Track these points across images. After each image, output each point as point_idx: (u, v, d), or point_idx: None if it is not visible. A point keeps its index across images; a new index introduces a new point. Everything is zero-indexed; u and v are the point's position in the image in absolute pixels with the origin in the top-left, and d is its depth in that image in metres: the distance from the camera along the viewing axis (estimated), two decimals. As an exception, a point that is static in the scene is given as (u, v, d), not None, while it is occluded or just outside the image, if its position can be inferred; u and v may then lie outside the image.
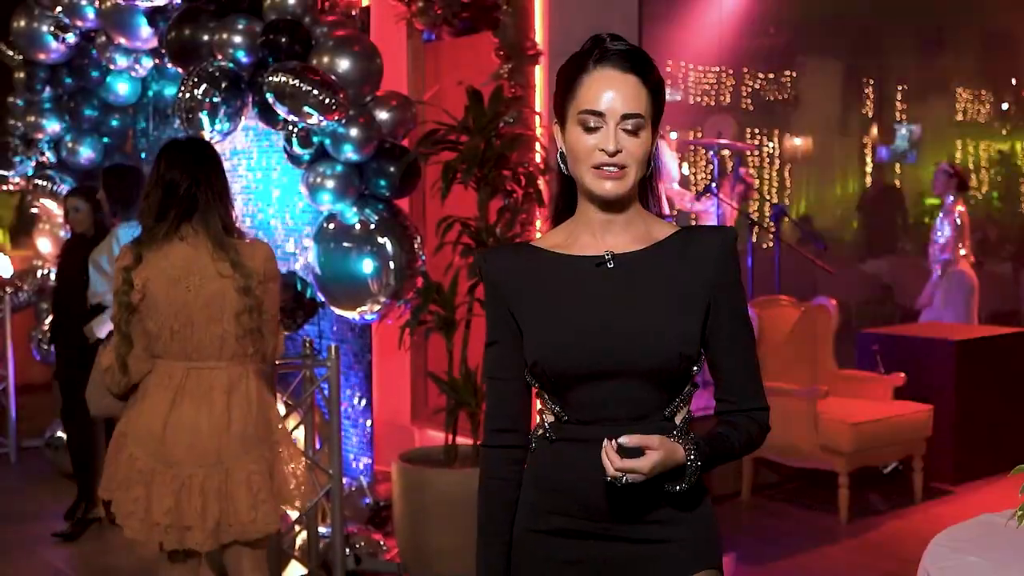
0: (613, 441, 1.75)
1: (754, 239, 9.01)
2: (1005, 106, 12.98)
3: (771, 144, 16.66)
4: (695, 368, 1.91)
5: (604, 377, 1.85)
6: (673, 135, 14.11)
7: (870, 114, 16.12)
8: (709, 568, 1.93)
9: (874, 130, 16.66)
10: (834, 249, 14.45)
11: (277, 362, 3.62)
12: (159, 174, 3.24)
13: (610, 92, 1.83)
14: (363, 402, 5.24)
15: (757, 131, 16.13)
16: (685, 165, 14.91)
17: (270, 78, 4.49)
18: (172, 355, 3.21)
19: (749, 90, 14.93)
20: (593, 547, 1.91)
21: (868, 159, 17.33)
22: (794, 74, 14.84)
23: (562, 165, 1.93)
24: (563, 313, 1.89)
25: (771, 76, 13.99)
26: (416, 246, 4.85)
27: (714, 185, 7.14)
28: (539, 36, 5.02)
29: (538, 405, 1.99)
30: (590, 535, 1.90)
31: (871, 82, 14.74)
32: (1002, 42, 13.09)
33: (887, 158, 16.21)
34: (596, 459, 1.79)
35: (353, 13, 5.20)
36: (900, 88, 15.69)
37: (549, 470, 1.93)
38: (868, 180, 16.26)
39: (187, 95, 4.77)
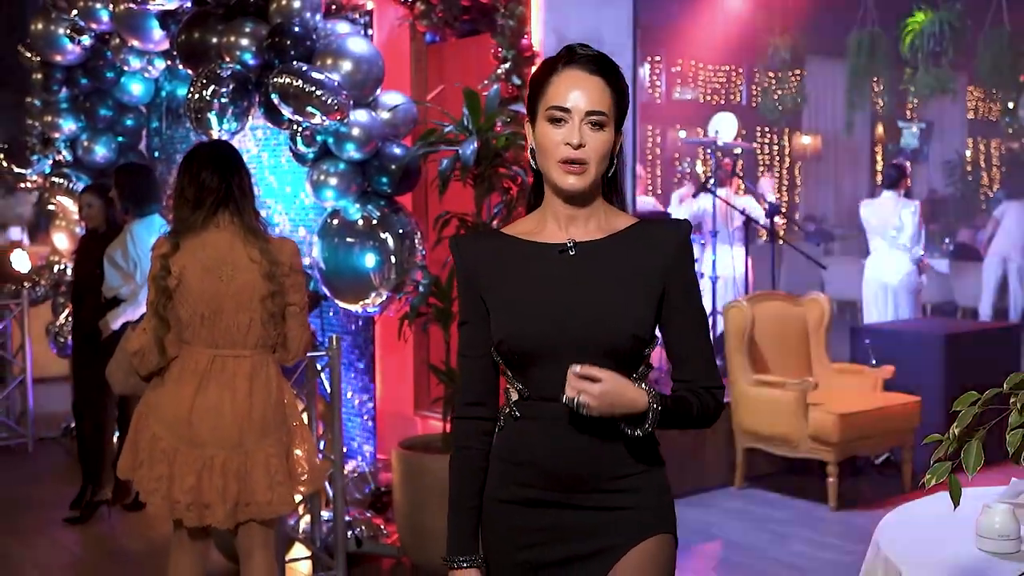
0: (577, 367, 1.91)
1: (762, 238, 9.10)
2: (1011, 104, 13.03)
3: (781, 143, 16.75)
4: (648, 349, 2.07)
5: (563, 356, 2.00)
6: (682, 133, 14.26)
7: (880, 112, 16.19)
8: (663, 533, 2.08)
9: (884, 128, 16.74)
10: (843, 246, 14.56)
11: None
12: (192, 174, 3.43)
13: (577, 91, 2.01)
14: (366, 392, 5.42)
15: (767, 129, 16.24)
16: (698, 163, 15.06)
17: (275, 79, 4.67)
18: (200, 341, 3.38)
19: (758, 89, 15.03)
20: (554, 515, 2.06)
21: (879, 157, 17.41)
22: (804, 73, 14.93)
23: (532, 161, 2.11)
24: (527, 296, 2.05)
25: (780, 75, 14.09)
26: (416, 241, 5.03)
27: (712, 182, 7.27)
28: (536, 38, 5.19)
29: (505, 384, 2.16)
30: (552, 504, 2.06)
31: (880, 80, 14.82)
32: (1012, 40, 13.13)
33: (897, 156, 16.29)
34: (557, 433, 1.98)
35: (357, 16, 5.37)
36: (910, 87, 15.75)
37: (514, 444, 2.09)
38: (879, 178, 16.35)
39: (196, 96, 4.96)
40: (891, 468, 6.16)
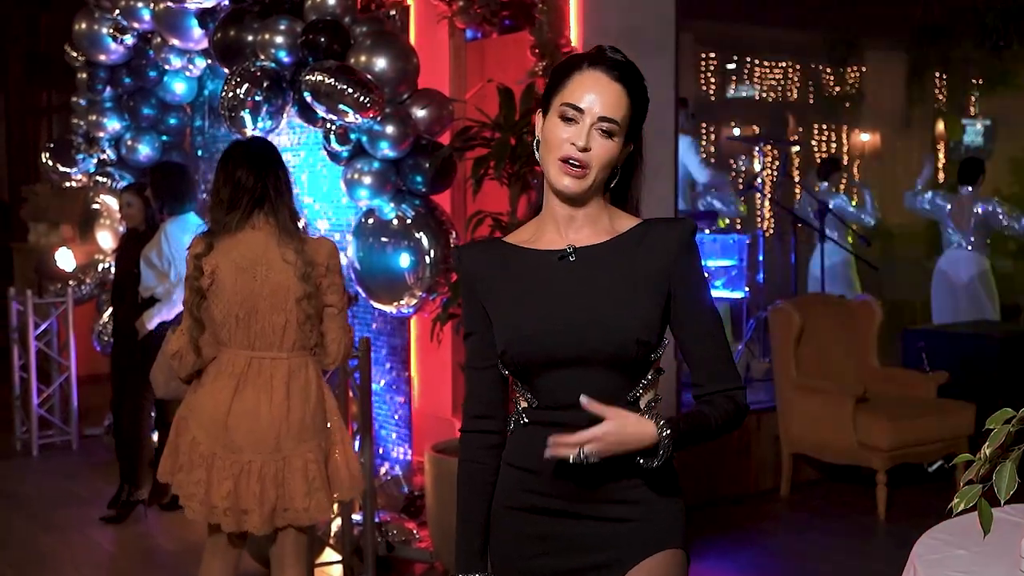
0: (551, 438, 1.86)
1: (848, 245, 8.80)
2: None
3: (839, 140, 16.43)
4: (655, 355, 1.98)
5: (567, 364, 1.94)
6: (736, 131, 14.04)
7: (943, 108, 15.81)
8: (673, 548, 2.00)
9: (945, 125, 16.33)
10: (902, 246, 14.23)
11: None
12: (227, 173, 3.36)
13: (594, 93, 1.94)
14: (401, 394, 5.35)
15: (823, 127, 15.93)
16: (756, 162, 14.81)
17: (307, 77, 4.61)
18: (236, 343, 3.31)
19: (814, 85, 14.75)
20: (561, 524, 1.99)
21: (940, 155, 17.01)
22: (863, 68, 14.62)
23: (536, 152, 2.03)
24: (528, 305, 1.99)
25: (838, 71, 13.80)
26: (451, 241, 4.94)
27: (759, 181, 7.11)
28: (573, 34, 5.07)
29: (514, 393, 2.08)
30: (559, 512, 1.99)
31: (942, 75, 14.47)
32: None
33: (959, 153, 15.89)
34: None
35: (392, 12, 5.30)
36: (974, 81, 15.36)
37: (523, 451, 2.02)
38: (941, 176, 15.98)
39: (230, 94, 4.92)
40: (944, 477, 5.95)
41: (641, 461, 1.89)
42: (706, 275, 2.08)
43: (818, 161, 15.49)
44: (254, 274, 3.29)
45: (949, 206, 7.77)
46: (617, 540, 1.97)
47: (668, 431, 1.87)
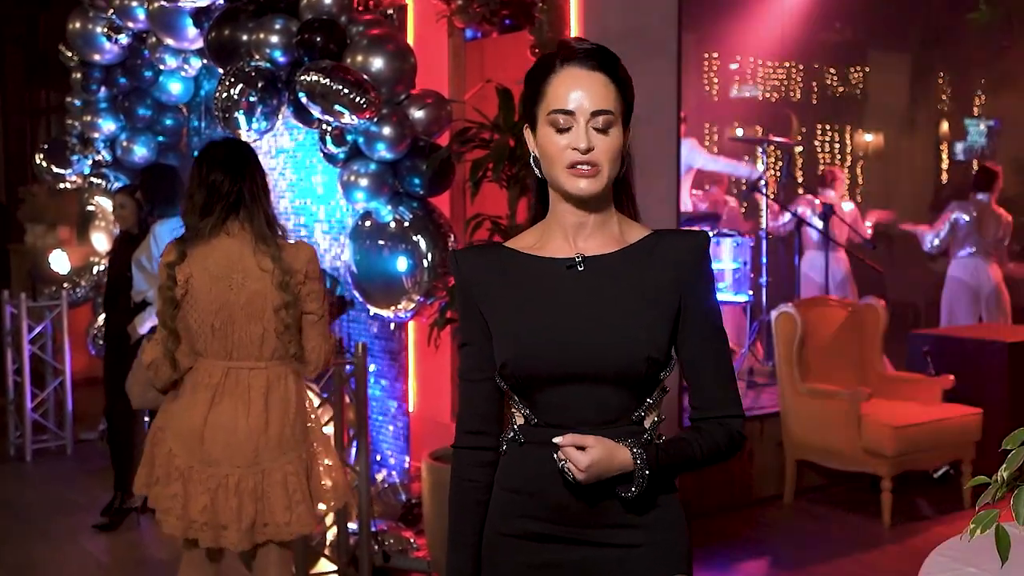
0: (558, 439, 1.79)
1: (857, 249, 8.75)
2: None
3: (842, 141, 16.33)
4: (664, 373, 1.88)
5: (571, 380, 1.84)
6: (739, 131, 13.97)
7: (945, 109, 15.70)
8: (677, 574, 1.90)
9: (949, 126, 16.24)
10: (905, 248, 14.14)
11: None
12: (201, 176, 3.25)
13: (578, 90, 1.82)
14: (396, 399, 5.27)
15: (827, 127, 15.84)
16: (759, 163, 14.71)
17: (302, 77, 4.53)
18: (213, 353, 3.22)
19: (818, 86, 14.67)
20: (559, 551, 1.89)
21: (944, 156, 16.90)
22: (867, 69, 14.53)
23: (536, 170, 1.92)
24: (532, 315, 1.88)
25: (842, 71, 13.71)
26: (450, 244, 4.86)
27: (763, 183, 7.03)
28: (573, 34, 4.98)
29: (509, 408, 1.98)
30: (556, 539, 1.89)
31: (946, 76, 14.37)
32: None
33: (964, 155, 15.79)
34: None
35: (390, 12, 5.22)
36: (978, 81, 15.26)
37: (517, 473, 1.92)
38: (944, 177, 15.87)
39: (224, 95, 4.84)
40: (950, 482, 5.86)
41: (620, 492, 1.82)
42: (716, 292, 1.98)
43: (821, 166, 15.46)
44: (229, 283, 3.19)
45: (975, 212, 7.74)
46: (620, 567, 1.87)
47: (642, 463, 1.79)
